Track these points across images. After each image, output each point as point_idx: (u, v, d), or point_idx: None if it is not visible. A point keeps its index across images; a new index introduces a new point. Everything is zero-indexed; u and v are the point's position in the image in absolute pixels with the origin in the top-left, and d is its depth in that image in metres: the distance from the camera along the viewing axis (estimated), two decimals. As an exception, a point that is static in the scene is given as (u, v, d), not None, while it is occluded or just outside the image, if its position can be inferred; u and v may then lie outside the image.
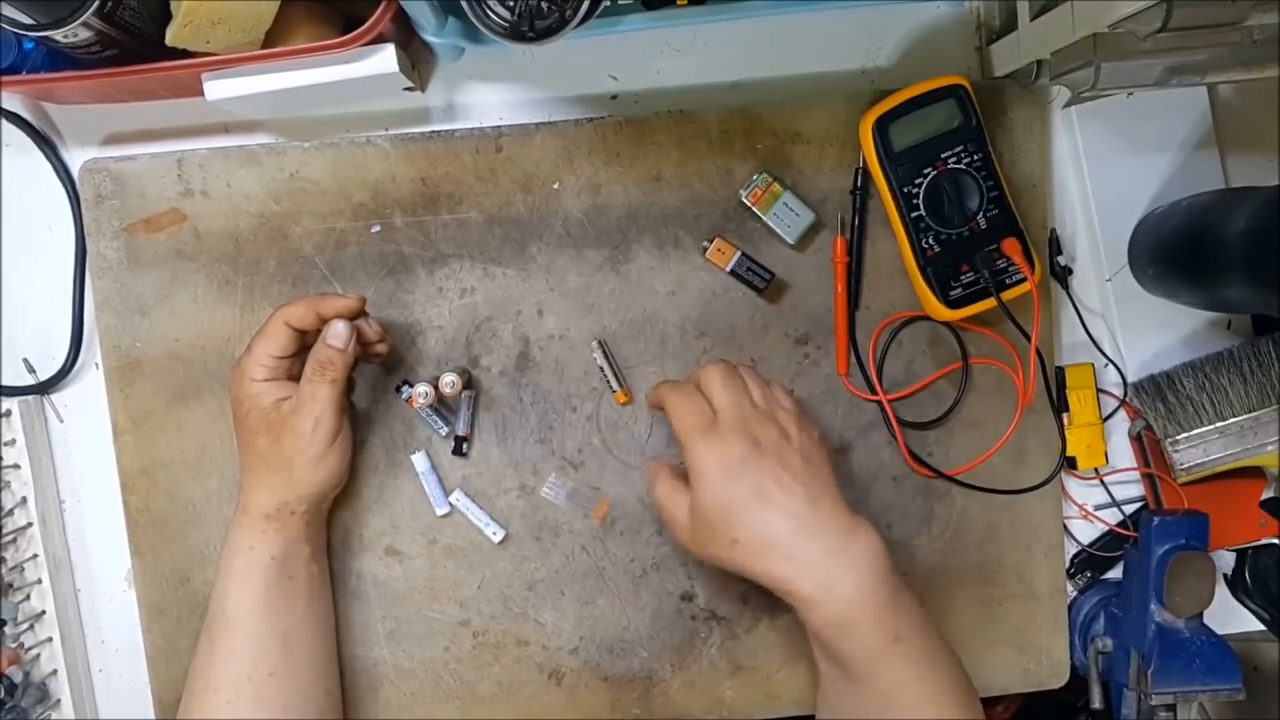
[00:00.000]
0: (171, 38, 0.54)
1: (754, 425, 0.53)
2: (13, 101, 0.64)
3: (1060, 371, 0.66)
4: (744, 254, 0.62)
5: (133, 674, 0.66)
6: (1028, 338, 0.61)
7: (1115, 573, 0.68)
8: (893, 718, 0.51)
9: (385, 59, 0.57)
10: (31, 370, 0.65)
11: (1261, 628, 0.66)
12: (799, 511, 0.51)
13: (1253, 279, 0.54)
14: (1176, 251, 0.61)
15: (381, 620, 0.64)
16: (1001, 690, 0.66)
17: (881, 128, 0.60)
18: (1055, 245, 0.65)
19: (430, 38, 0.58)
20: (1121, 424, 0.68)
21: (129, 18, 0.53)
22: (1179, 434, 0.64)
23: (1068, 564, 0.67)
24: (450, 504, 0.63)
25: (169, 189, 0.62)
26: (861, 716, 0.52)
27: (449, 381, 0.60)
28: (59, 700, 0.64)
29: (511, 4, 0.48)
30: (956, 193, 0.60)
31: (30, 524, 0.63)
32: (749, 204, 0.62)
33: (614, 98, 0.65)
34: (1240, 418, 0.63)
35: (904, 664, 0.51)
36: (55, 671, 0.64)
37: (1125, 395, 0.66)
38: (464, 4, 0.48)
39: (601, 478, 0.64)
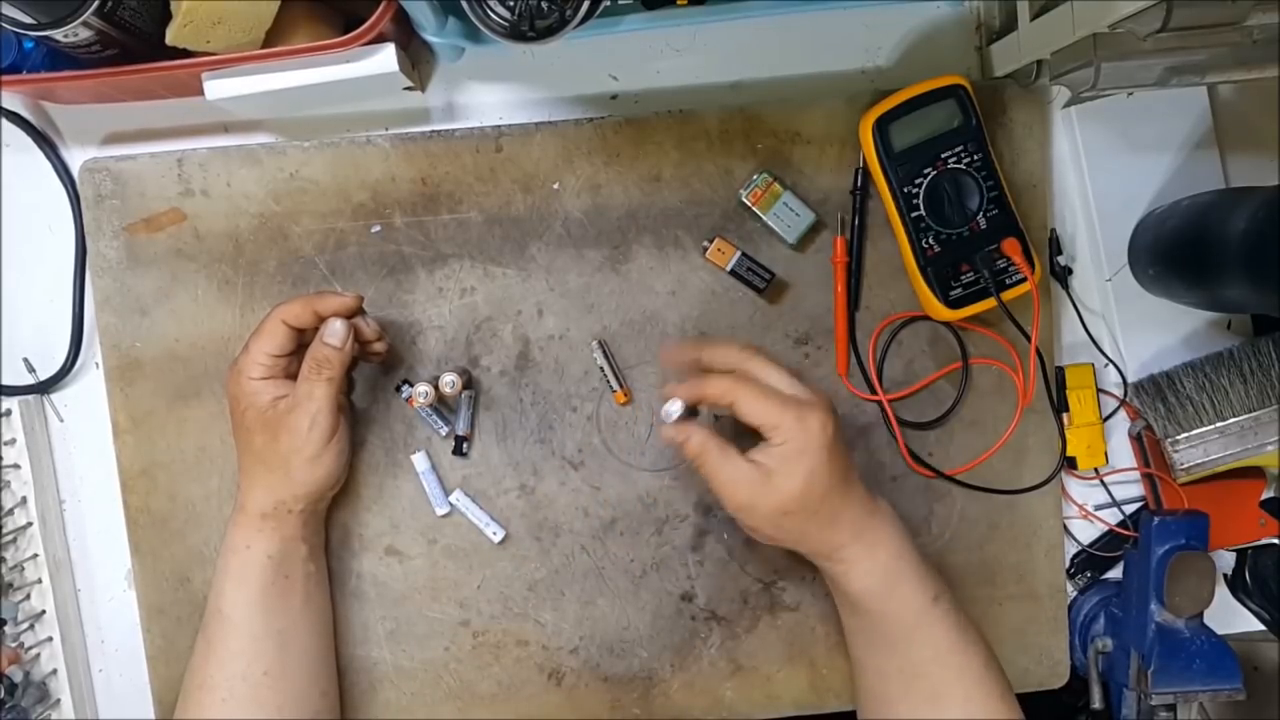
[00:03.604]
0: (171, 37, 0.54)
1: (826, 399, 0.54)
2: (13, 101, 0.64)
3: (1060, 371, 0.66)
4: (744, 254, 0.62)
5: (133, 674, 0.66)
6: (1028, 338, 0.61)
7: (1115, 573, 0.68)
8: (935, 678, 0.54)
9: (385, 59, 0.57)
10: (31, 370, 0.65)
11: (1261, 628, 0.66)
12: (855, 483, 0.55)
13: (1253, 279, 0.54)
14: (1176, 251, 0.61)
15: (381, 620, 0.64)
16: (1001, 690, 0.67)
17: (881, 128, 0.60)
18: (1055, 245, 0.65)
19: (430, 38, 0.58)
20: (1121, 424, 0.68)
21: (129, 17, 0.53)
22: (1179, 434, 0.64)
23: (1068, 564, 0.67)
24: (450, 504, 0.63)
25: (169, 189, 0.62)
26: (905, 686, 0.55)
27: (449, 381, 0.60)
28: (59, 700, 0.64)
29: (511, 4, 0.48)
30: (956, 193, 0.60)
31: (30, 524, 0.63)
32: (749, 204, 0.62)
33: (614, 98, 0.65)
34: (1240, 418, 0.63)
35: (944, 623, 0.55)
36: (55, 671, 0.64)
37: (1125, 395, 0.66)
38: (464, 4, 0.48)
39: (601, 478, 0.64)
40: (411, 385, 0.61)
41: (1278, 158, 0.66)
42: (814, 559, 0.56)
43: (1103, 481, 0.67)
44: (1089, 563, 0.67)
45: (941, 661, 0.55)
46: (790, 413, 0.52)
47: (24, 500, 0.63)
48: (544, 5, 0.48)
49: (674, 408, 0.56)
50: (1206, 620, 0.61)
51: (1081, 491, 0.67)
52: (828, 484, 0.53)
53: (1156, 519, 0.62)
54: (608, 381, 0.63)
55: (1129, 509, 0.67)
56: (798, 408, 0.53)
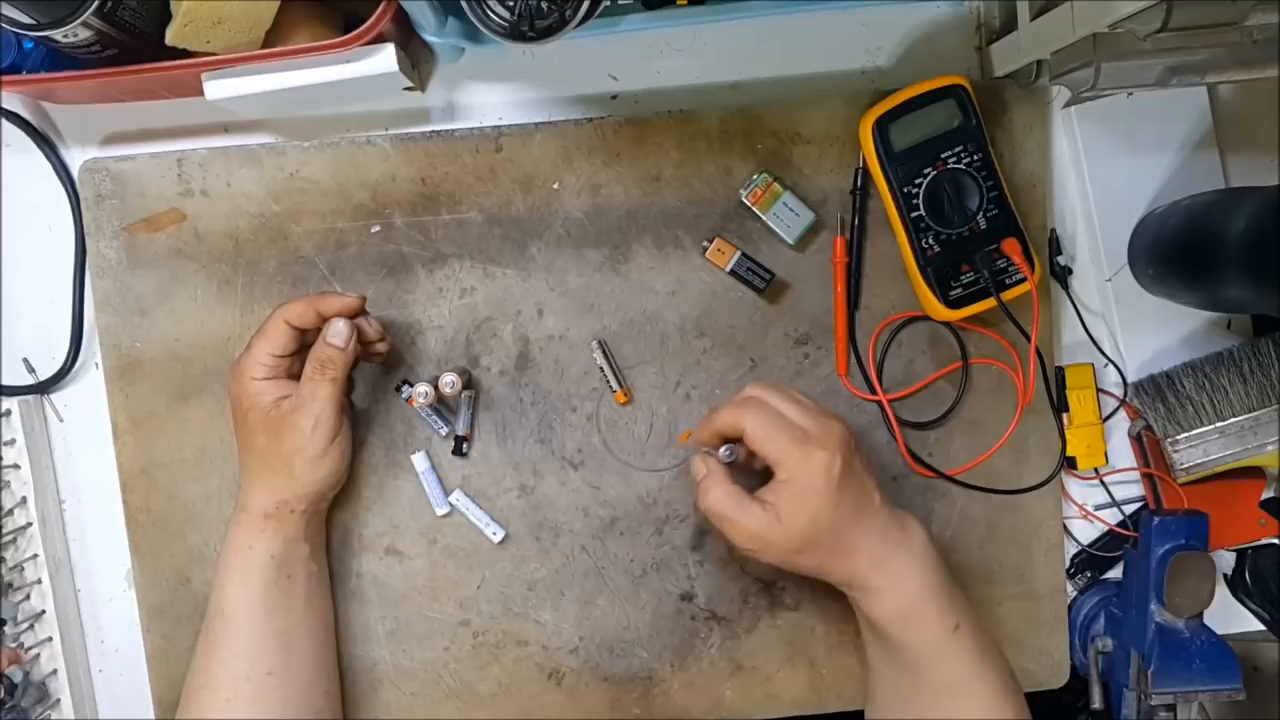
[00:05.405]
0: (171, 37, 0.54)
1: (836, 433, 0.53)
2: (13, 101, 0.64)
3: (1060, 371, 0.66)
4: (744, 254, 0.62)
5: (133, 674, 0.66)
6: (1028, 338, 0.61)
7: (1115, 573, 0.68)
8: (947, 701, 0.54)
9: (385, 59, 0.57)
10: (31, 370, 0.65)
11: (1261, 628, 0.66)
12: (875, 511, 0.54)
13: (1253, 279, 0.54)
14: (1176, 251, 0.61)
15: (381, 620, 0.64)
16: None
17: (881, 128, 0.60)
18: (1055, 245, 0.65)
19: (430, 38, 0.58)
20: (1121, 424, 0.68)
21: (129, 18, 0.53)
22: (1179, 434, 0.64)
23: (1068, 564, 0.67)
24: (450, 504, 0.63)
25: (169, 189, 0.62)
26: (920, 710, 0.55)
27: (449, 381, 0.60)
28: (59, 700, 0.64)
29: (511, 4, 0.48)
30: (956, 193, 0.60)
31: (30, 524, 0.63)
32: (749, 204, 0.62)
33: (614, 98, 0.65)
34: (1240, 418, 0.63)
35: (963, 652, 0.54)
36: (55, 671, 0.64)
37: (1125, 395, 0.66)
38: (464, 4, 0.48)
39: (601, 478, 0.64)
40: (411, 385, 0.61)
41: (1278, 158, 0.66)
42: (837, 586, 0.56)
43: (1103, 481, 0.67)
44: (1089, 563, 0.67)
45: (955, 688, 0.54)
46: (795, 450, 0.52)
47: (24, 500, 0.63)
48: (544, 5, 0.48)
49: (725, 451, 0.57)
50: (1206, 620, 0.61)
51: (1081, 491, 0.67)
52: (836, 521, 0.52)
53: (1156, 519, 0.62)
54: (607, 381, 0.63)
55: (1129, 509, 0.67)
56: (804, 444, 0.52)
